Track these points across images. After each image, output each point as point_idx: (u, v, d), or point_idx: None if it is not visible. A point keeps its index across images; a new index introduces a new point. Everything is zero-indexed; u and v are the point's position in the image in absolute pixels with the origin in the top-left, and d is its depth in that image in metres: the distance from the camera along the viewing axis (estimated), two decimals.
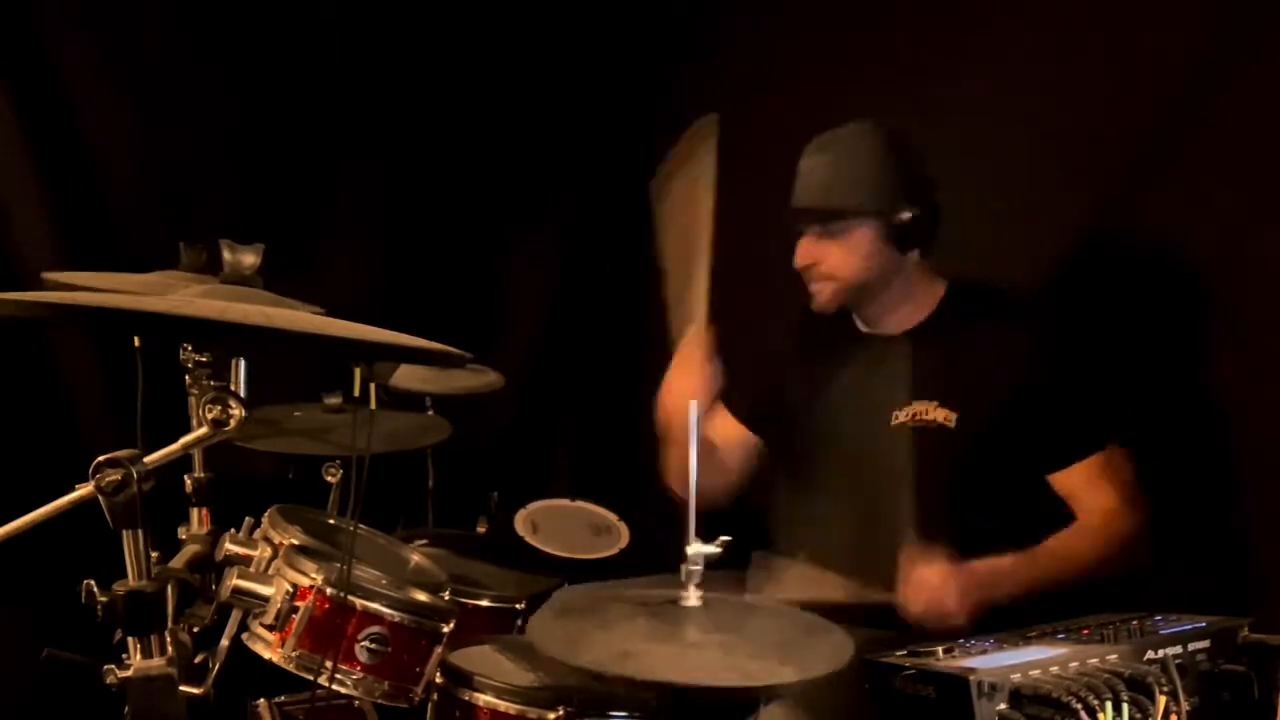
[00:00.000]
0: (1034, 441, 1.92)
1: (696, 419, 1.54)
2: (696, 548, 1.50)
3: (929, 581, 1.78)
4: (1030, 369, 1.93)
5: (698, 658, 1.43)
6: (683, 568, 1.51)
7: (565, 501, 2.78)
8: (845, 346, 2.10)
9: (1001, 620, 1.67)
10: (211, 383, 1.77)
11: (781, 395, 2.18)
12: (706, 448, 2.10)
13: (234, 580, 1.69)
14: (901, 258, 1.99)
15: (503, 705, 1.77)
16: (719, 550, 1.53)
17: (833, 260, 2.00)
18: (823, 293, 2.04)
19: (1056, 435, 1.93)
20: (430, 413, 2.87)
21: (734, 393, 2.24)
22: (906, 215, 1.95)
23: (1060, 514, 1.94)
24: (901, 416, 1.98)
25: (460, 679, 1.82)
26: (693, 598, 1.52)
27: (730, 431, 2.25)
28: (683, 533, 1.51)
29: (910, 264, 2.01)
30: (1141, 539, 1.90)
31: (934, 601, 1.77)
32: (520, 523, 2.66)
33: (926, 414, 1.96)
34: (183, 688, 1.34)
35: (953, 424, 1.93)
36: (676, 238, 1.90)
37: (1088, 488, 1.92)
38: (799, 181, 2.02)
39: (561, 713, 1.72)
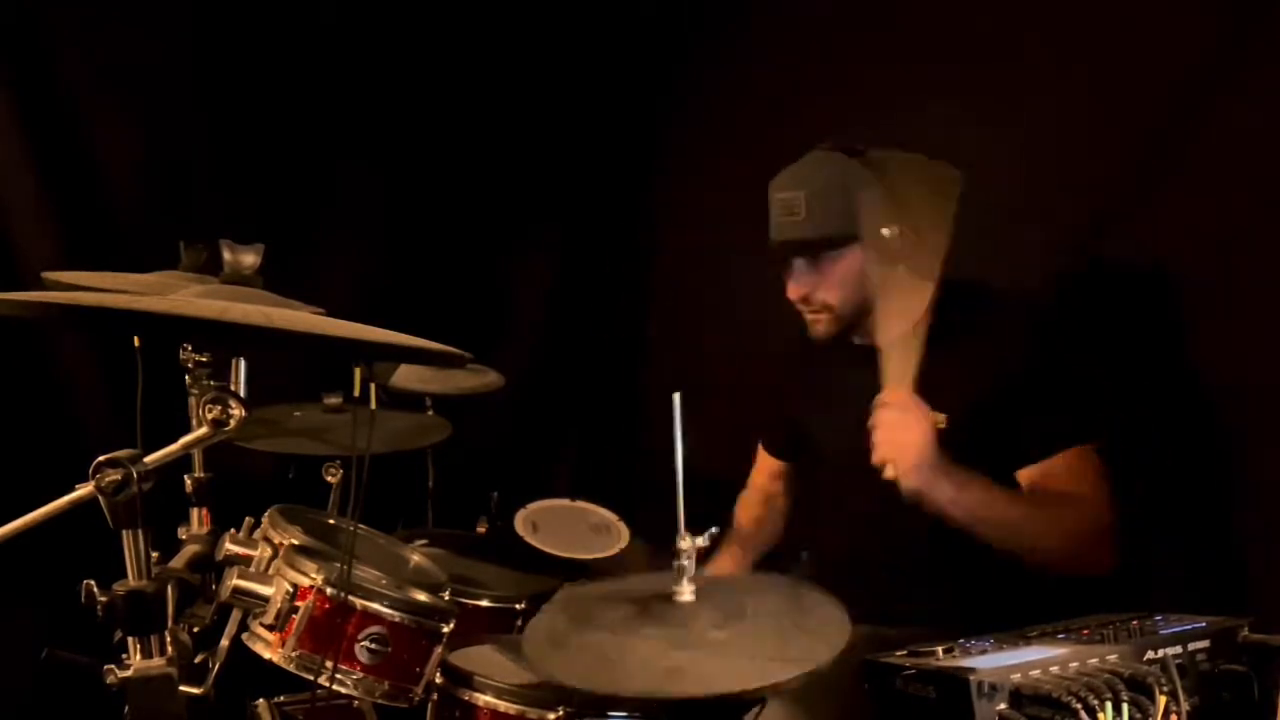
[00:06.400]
0: (1011, 437, 1.90)
1: (680, 411, 1.52)
2: (687, 541, 1.50)
3: (900, 412, 1.79)
4: (1014, 367, 1.91)
5: (734, 657, 1.43)
6: (675, 563, 1.51)
7: (565, 501, 2.77)
8: (841, 360, 2.10)
9: (1001, 620, 1.67)
10: (211, 383, 1.78)
11: (791, 416, 2.19)
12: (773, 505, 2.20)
13: (234, 580, 1.69)
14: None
15: (503, 705, 1.77)
16: (708, 543, 1.53)
17: (824, 291, 2.02)
18: (819, 324, 2.06)
19: (1029, 431, 1.91)
20: (430, 413, 2.87)
21: (764, 429, 2.26)
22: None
23: None
24: None
25: (460, 679, 1.82)
26: (686, 592, 1.52)
27: (770, 470, 2.31)
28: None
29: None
30: (1106, 535, 1.85)
31: (901, 430, 1.78)
32: (520, 523, 2.65)
33: None
34: (183, 688, 1.34)
35: (944, 425, 1.92)
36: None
37: (1056, 484, 1.88)
38: (775, 216, 2.01)
39: (561, 713, 1.72)
